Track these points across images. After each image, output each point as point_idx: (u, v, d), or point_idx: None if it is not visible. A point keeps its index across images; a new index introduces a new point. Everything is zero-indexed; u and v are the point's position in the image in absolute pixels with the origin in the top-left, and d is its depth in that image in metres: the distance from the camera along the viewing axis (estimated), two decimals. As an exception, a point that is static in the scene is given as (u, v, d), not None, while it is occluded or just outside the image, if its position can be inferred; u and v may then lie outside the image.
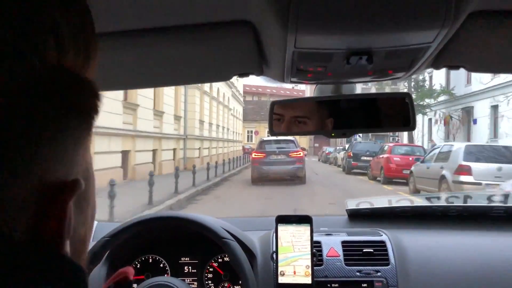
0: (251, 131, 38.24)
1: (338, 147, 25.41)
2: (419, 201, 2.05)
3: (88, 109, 0.32)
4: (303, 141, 36.25)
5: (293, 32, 0.67)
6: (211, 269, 1.32)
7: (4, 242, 0.27)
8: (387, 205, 1.77)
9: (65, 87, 0.30)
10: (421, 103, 20.63)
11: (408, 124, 0.97)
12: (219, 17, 0.70)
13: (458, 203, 1.87)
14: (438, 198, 2.31)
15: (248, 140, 40.23)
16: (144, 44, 0.75)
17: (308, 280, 1.19)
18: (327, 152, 29.30)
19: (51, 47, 0.29)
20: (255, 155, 12.64)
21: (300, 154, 12.03)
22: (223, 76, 0.96)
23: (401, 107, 0.98)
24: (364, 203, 1.72)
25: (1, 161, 0.27)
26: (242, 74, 0.93)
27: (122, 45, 0.74)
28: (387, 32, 0.68)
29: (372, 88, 20.34)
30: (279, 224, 1.23)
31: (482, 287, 1.18)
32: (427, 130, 23.35)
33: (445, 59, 0.82)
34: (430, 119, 23.11)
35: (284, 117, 1.04)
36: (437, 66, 0.86)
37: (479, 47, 0.80)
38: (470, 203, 1.84)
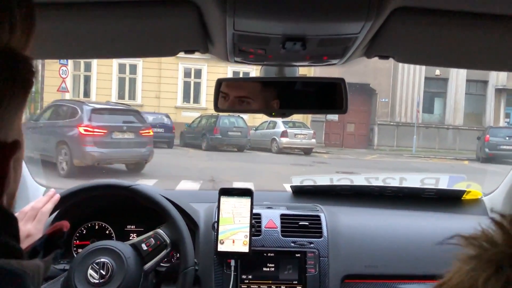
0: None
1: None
2: (359, 181, 2.39)
3: (26, 82, 0.44)
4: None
5: (231, 15, 0.79)
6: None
7: None
8: (329, 183, 2.17)
9: (12, 64, 0.41)
10: None
11: (341, 108, 1.17)
12: None
13: (394, 184, 2.18)
14: (376, 178, 2.40)
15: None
16: (90, 16, 0.90)
17: (245, 249, 1.49)
18: None
19: (6, 31, 0.41)
20: (86, 130, 9.28)
21: (149, 132, 10.23)
22: (168, 51, 1.12)
23: (335, 91, 1.17)
24: (308, 180, 2.02)
25: None
26: (188, 51, 1.08)
27: (69, 16, 0.89)
28: (318, 21, 0.83)
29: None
30: (221, 196, 1.53)
31: (407, 262, 1.57)
32: None
33: (375, 49, 1.01)
34: None
35: (229, 94, 1.26)
36: (368, 55, 1.06)
37: (405, 40, 0.98)
38: (405, 184, 2.17)
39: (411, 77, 20.14)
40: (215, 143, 15.75)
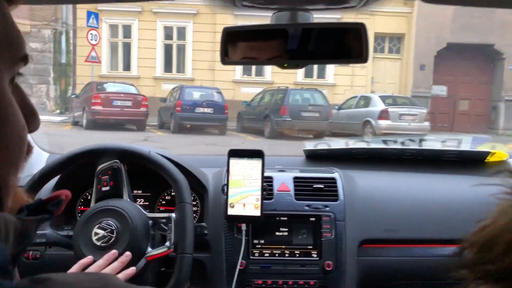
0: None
1: None
2: (376, 144, 2.26)
3: None
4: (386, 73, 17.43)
5: None
6: (163, 202, 1.71)
7: None
8: (344, 147, 2.17)
9: None
10: None
11: (361, 56, 1.10)
12: None
13: (414, 146, 2.17)
14: (395, 141, 2.18)
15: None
16: None
17: (257, 213, 1.50)
18: None
19: None
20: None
21: None
22: None
23: (354, 38, 1.11)
24: (322, 144, 2.04)
25: None
26: None
27: None
28: None
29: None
30: (231, 158, 1.56)
31: (429, 226, 1.54)
32: None
33: None
34: None
35: (238, 45, 1.18)
36: None
37: None
38: (425, 146, 2.19)
39: (553, 34, 16.40)
40: (283, 127, 13.23)
